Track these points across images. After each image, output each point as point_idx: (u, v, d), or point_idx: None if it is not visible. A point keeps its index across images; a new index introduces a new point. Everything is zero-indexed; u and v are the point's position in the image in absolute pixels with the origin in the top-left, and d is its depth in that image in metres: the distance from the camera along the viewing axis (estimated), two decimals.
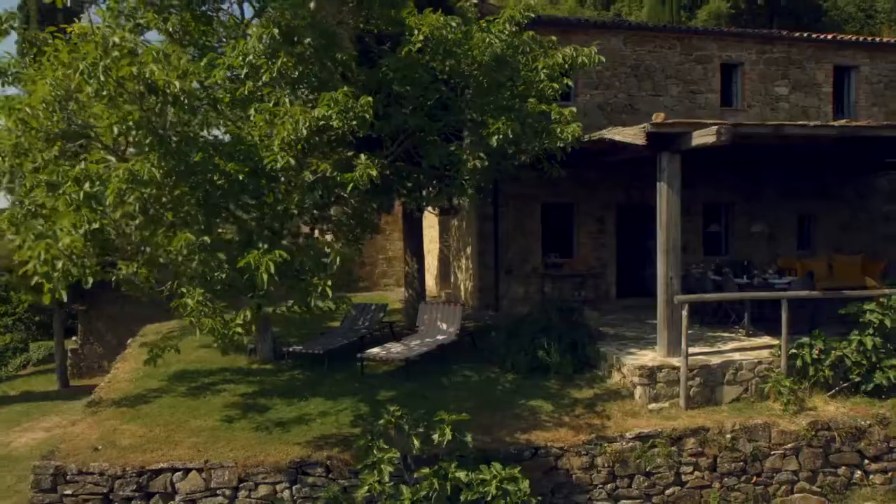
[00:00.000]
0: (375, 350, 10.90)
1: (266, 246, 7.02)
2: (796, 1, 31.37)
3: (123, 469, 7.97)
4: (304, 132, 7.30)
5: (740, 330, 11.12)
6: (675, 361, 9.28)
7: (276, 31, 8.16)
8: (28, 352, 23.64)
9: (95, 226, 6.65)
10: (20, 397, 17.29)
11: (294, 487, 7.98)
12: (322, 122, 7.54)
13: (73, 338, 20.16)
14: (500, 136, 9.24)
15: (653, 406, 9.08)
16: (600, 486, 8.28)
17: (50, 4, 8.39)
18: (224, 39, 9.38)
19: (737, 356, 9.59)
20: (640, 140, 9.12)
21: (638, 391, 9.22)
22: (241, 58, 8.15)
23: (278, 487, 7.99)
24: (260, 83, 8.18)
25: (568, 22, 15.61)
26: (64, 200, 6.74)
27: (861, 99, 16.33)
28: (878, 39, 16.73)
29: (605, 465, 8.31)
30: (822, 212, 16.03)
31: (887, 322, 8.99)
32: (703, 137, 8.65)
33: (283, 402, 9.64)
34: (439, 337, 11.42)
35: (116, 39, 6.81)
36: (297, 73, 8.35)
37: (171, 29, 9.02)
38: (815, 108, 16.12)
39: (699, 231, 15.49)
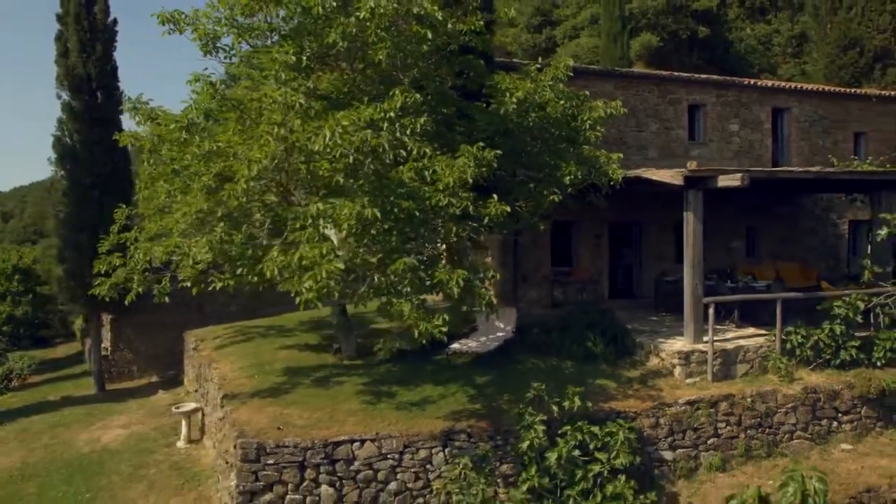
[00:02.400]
0: (456, 346, 13.37)
1: (449, 266, 9.43)
2: (711, 36, 35.88)
3: (312, 442, 10.13)
4: (470, 179, 9.75)
5: (731, 323, 14.33)
6: (702, 347, 12.36)
7: (417, 96, 10.57)
8: (8, 362, 24.00)
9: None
10: (62, 402, 18.37)
11: (445, 450, 10.40)
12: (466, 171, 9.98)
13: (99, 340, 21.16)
14: (571, 177, 12.03)
15: (689, 381, 12.11)
16: (663, 438, 11.19)
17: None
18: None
19: (742, 342, 12.79)
20: (677, 181, 12.11)
21: (677, 370, 12.22)
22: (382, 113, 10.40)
23: (433, 451, 10.39)
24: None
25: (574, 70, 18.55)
26: (306, 235, 8.89)
27: (793, 134, 20.22)
28: (804, 87, 20.70)
29: (666, 423, 11.23)
30: (764, 226, 19.78)
31: (850, 314, 12.40)
32: (728, 181, 11.72)
33: (402, 388, 11.97)
34: (499, 334, 14.02)
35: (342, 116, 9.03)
36: (429, 127, 10.76)
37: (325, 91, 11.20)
38: (759, 141, 19.86)
39: (671, 244, 18.81)
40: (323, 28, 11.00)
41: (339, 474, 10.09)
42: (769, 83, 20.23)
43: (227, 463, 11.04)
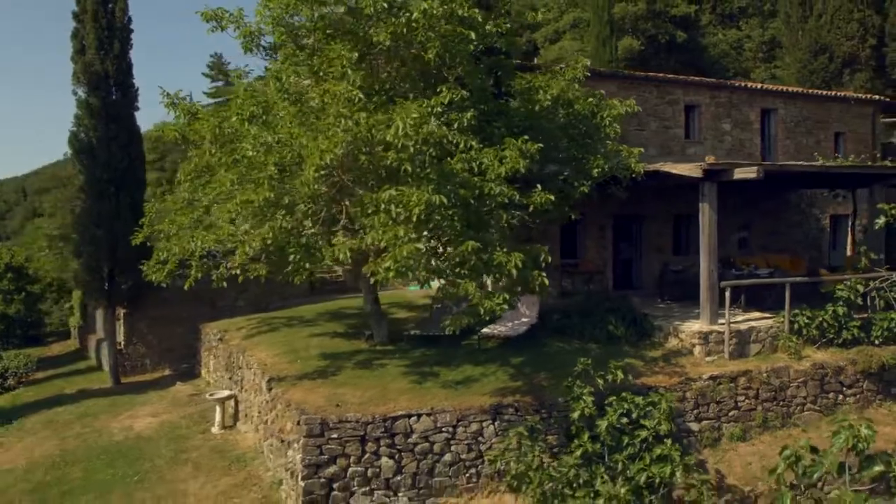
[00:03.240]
0: (486, 330, 14.13)
1: (505, 249, 10.18)
2: (688, 41, 37.34)
3: (372, 417, 10.76)
4: (523, 170, 10.50)
5: (737, 308, 15.33)
6: (718, 328, 13.31)
7: (465, 92, 11.31)
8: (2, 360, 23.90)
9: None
10: (79, 395, 18.56)
11: (495, 423, 11.13)
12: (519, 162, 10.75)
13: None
14: (599, 169, 12.89)
15: (708, 359, 13.05)
16: (689, 411, 12.10)
17: None
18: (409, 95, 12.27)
19: (753, 323, 13.78)
20: (696, 173, 13.05)
21: (697, 349, 13.15)
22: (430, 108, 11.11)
23: (484, 424, 11.10)
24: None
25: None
26: (380, 220, 9.53)
27: (779, 134, 21.45)
28: (789, 90, 21.97)
29: (692, 397, 12.13)
30: (753, 221, 20.94)
31: (851, 296, 13.49)
32: (744, 173, 12.69)
33: (443, 368, 12.66)
34: (524, 319, 14.80)
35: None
36: (473, 122, 11.50)
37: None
38: (749, 140, 21.03)
39: (670, 236, 19.86)
40: (373, 26, 11.66)
41: (398, 447, 10.74)
42: (758, 85, 21.45)
43: (281, 441, 11.57)
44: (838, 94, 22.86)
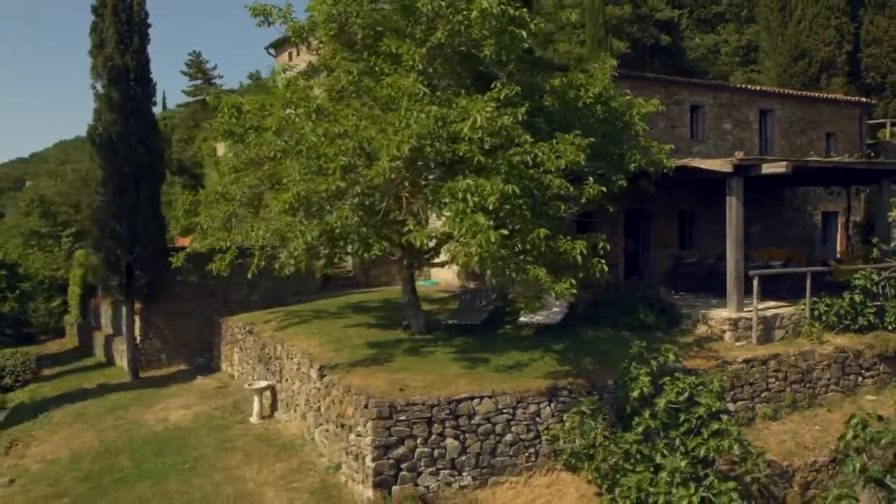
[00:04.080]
0: (524, 319, 14.66)
1: (569, 237, 10.71)
2: (671, 44, 38.50)
3: (438, 399, 11.18)
4: (583, 162, 11.05)
5: (753, 298, 16.13)
6: (745, 314, 14.06)
7: (518, 88, 11.83)
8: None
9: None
10: (100, 389, 18.50)
11: (551, 405, 11.65)
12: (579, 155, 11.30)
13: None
14: (636, 164, 13.51)
15: (738, 344, 13.78)
16: (726, 392, 12.78)
17: None
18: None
19: (777, 311, 14.57)
20: (727, 168, 13.78)
21: (727, 335, 13.89)
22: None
23: (541, 405, 11.62)
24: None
25: None
26: (457, 208, 9.97)
27: (776, 133, 22.46)
28: (785, 91, 23.01)
29: (728, 379, 12.82)
30: (753, 217, 21.85)
31: (868, 285, 14.38)
32: (772, 168, 13.46)
33: (491, 355, 13.13)
34: (555, 309, 15.35)
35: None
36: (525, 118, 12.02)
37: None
38: (748, 139, 21.98)
39: (676, 232, 20.66)
40: (426, 24, 12.11)
41: (462, 428, 11.18)
42: (756, 87, 22.43)
43: (341, 426, 11.89)
44: (829, 96, 24.01)
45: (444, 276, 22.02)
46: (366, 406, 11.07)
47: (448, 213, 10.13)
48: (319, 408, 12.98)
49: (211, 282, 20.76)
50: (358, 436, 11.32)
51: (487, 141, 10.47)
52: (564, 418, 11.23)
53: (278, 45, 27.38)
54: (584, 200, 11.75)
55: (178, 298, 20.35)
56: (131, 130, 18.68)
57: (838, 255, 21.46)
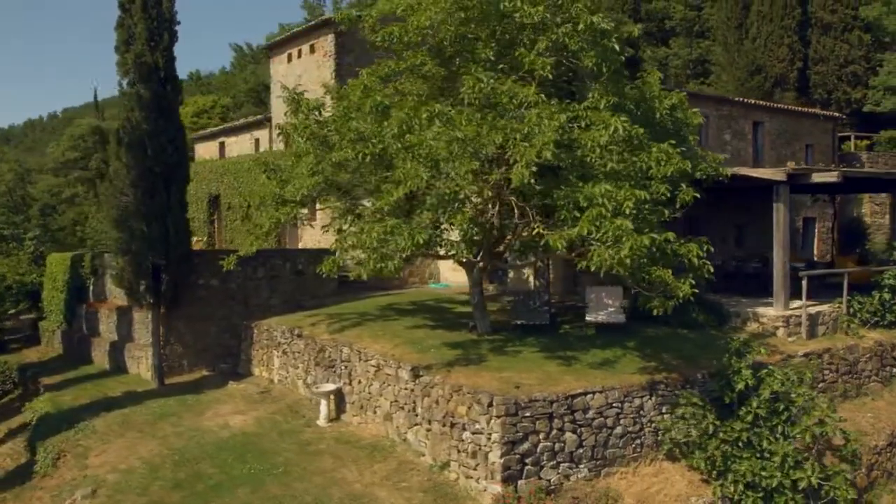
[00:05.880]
0: (590, 318, 15.30)
1: (682, 240, 11.42)
2: (634, 55, 40.17)
3: (556, 396, 11.64)
4: (689, 170, 11.80)
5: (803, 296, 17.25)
6: (790, 312, 15.23)
7: (615, 99, 12.50)
8: None
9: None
10: (128, 397, 17.78)
11: (652, 398, 12.33)
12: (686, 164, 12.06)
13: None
14: (702, 172, 14.42)
15: (790, 339, 14.92)
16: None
17: None
18: None
19: (818, 308, 15.79)
20: (779, 177, 14.91)
21: (780, 331, 15.00)
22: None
23: (644, 399, 12.28)
24: None
25: None
26: (596, 212, 10.48)
27: (766, 144, 24.13)
28: (774, 105, 24.74)
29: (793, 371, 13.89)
30: (748, 222, 23.41)
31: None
32: (823, 177, 14.66)
33: (579, 352, 13.67)
34: (610, 310, 16.07)
35: None
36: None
37: None
38: (744, 149, 23.55)
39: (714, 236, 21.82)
40: (530, 35, 12.59)
41: (579, 422, 11.70)
42: (752, 101, 24.03)
43: (451, 425, 12.13)
44: (809, 110, 25.99)
45: (456, 279, 22.40)
46: (489, 404, 11.39)
47: (586, 218, 10.58)
48: (414, 408, 13.15)
49: (231, 285, 20.44)
50: (475, 433, 11.61)
51: (614, 149, 11.03)
52: (677, 410, 11.93)
53: (275, 47, 26.96)
54: (678, 206, 12.48)
55: (199, 302, 19.81)
56: (161, 129, 18.12)
57: (828, 257, 23.24)
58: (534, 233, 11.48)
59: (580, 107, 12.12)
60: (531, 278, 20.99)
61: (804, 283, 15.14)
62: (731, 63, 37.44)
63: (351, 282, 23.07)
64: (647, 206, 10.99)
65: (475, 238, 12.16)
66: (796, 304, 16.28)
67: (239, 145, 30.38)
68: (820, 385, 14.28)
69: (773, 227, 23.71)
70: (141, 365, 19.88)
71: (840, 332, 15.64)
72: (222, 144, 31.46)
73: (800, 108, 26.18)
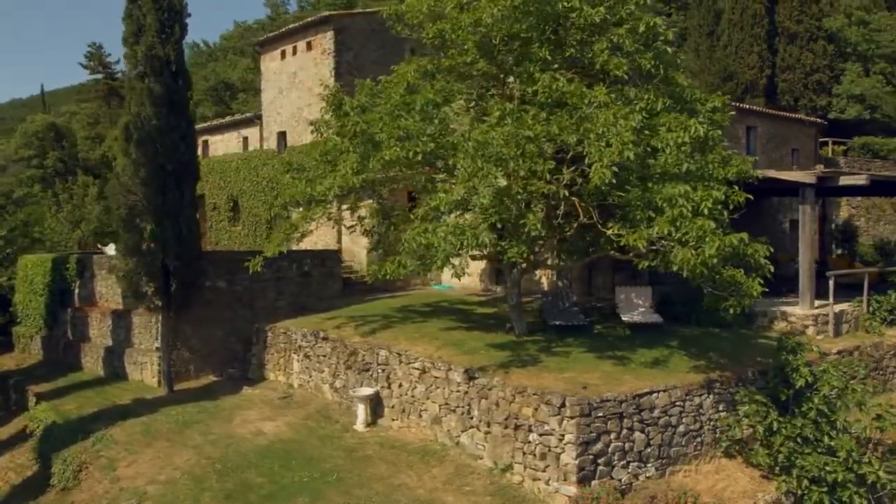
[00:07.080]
0: (626, 318, 15.39)
1: (745, 241, 11.61)
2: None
3: (626, 395, 11.65)
4: (752, 172, 11.98)
5: (790, 297, 17.78)
6: (816, 311, 15.67)
7: (670, 101, 12.62)
8: None
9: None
10: (138, 405, 16.96)
11: (710, 396, 12.48)
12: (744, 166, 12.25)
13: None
14: (734, 173, 14.70)
15: (818, 337, 15.34)
16: None
17: None
18: None
19: (840, 307, 16.29)
20: (809, 180, 15.30)
21: (810, 329, 15.41)
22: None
23: (702, 397, 12.41)
24: None
25: None
26: (674, 213, 10.53)
27: (758, 148, 24.80)
28: (765, 111, 25.45)
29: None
30: (741, 225, 23.96)
31: None
32: (850, 179, 15.14)
33: (626, 352, 13.71)
34: (641, 309, 16.22)
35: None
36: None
37: None
38: (738, 153, 24.06)
39: None
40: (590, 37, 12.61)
41: (646, 421, 11.73)
42: (746, 106, 24.66)
43: (515, 427, 12.00)
44: (796, 116, 26.85)
45: (461, 281, 22.24)
46: (561, 405, 11.31)
47: (665, 219, 10.63)
48: (468, 411, 12.97)
49: (238, 287, 19.84)
50: (543, 434, 11.52)
51: (686, 150, 11.12)
52: (740, 408, 12.10)
53: (268, 43, 26.30)
54: (731, 206, 12.68)
55: (206, 305, 19.12)
56: (173, 125, 17.44)
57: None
58: (609, 232, 11.47)
59: (658, 106, 12.12)
60: (543, 280, 21.13)
61: (831, 283, 15.60)
62: (704, 69, 38.40)
63: (353, 283, 22.75)
64: (718, 207, 11.11)
65: (542, 237, 12.03)
66: (818, 303, 16.80)
67: (225, 144, 29.47)
68: (852, 381, 14.71)
69: (773, 228, 24.89)
70: (145, 371, 19.04)
71: (861, 331, 16.17)
72: (206, 143, 30.44)
73: (788, 114, 27.07)
